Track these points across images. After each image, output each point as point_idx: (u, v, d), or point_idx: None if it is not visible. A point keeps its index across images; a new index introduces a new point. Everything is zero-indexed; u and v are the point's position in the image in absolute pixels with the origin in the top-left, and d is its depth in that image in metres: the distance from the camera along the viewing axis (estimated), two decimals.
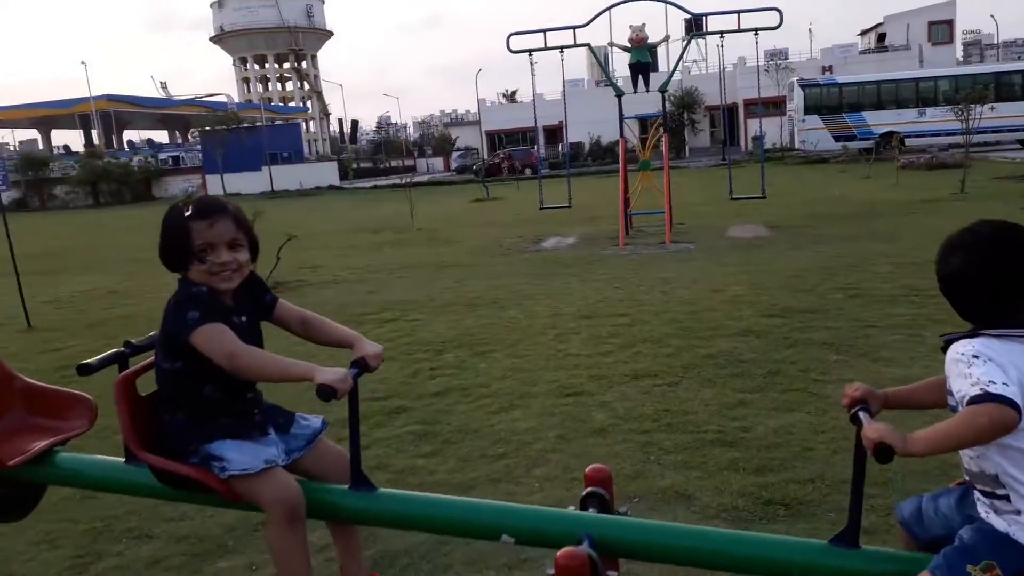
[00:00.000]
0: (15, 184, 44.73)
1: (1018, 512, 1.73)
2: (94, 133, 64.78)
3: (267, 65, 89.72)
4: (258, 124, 54.94)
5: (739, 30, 13.45)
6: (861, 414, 1.85)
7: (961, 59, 65.79)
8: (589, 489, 2.21)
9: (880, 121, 34.04)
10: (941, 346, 1.82)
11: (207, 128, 49.97)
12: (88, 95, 60.98)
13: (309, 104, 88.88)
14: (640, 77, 14.63)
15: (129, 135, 76.07)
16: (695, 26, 16.34)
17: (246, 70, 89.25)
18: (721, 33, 13.93)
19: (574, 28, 13.83)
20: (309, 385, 2.08)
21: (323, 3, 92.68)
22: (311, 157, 63.77)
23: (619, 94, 14.13)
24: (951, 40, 52.20)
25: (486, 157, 51.65)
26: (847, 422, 4.07)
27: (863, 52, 52.92)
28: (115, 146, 64.61)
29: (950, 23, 51.07)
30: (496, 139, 57.45)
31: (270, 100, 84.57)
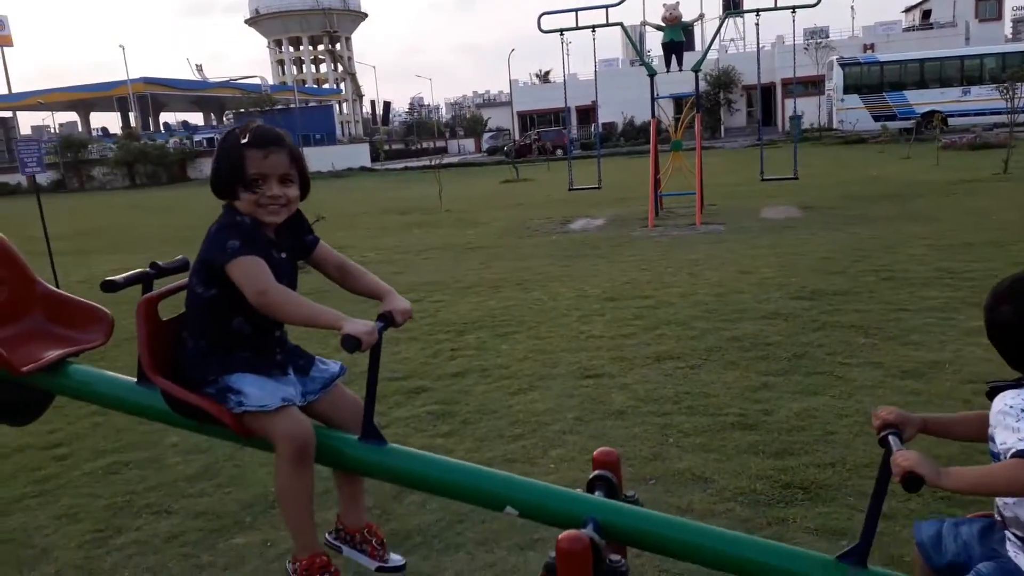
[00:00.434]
0: (53, 166, 45.74)
1: None
2: (131, 115, 65.79)
3: (301, 47, 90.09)
4: (292, 106, 55.34)
5: (776, 8, 13.15)
6: (891, 438, 1.76)
7: (1010, 36, 63.59)
8: (596, 472, 2.17)
9: (922, 100, 33.18)
10: (986, 392, 1.76)
11: (241, 110, 50.49)
12: (126, 78, 61.90)
13: (342, 86, 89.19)
14: (673, 56, 14.38)
15: (165, 117, 77.06)
16: (732, 4, 16.04)
17: (280, 52, 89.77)
18: (757, 11, 13.61)
19: (607, 7, 13.63)
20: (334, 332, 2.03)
21: None
22: (344, 139, 64.12)
23: (652, 74, 13.93)
24: (999, 16, 50.51)
25: (517, 138, 51.41)
26: (872, 405, 3.97)
27: (907, 29, 51.52)
28: (151, 128, 65.58)
29: None
30: (528, 120, 57.14)
31: (304, 82, 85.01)
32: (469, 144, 65.36)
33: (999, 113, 23.01)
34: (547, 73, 74.56)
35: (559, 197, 17.69)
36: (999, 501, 1.79)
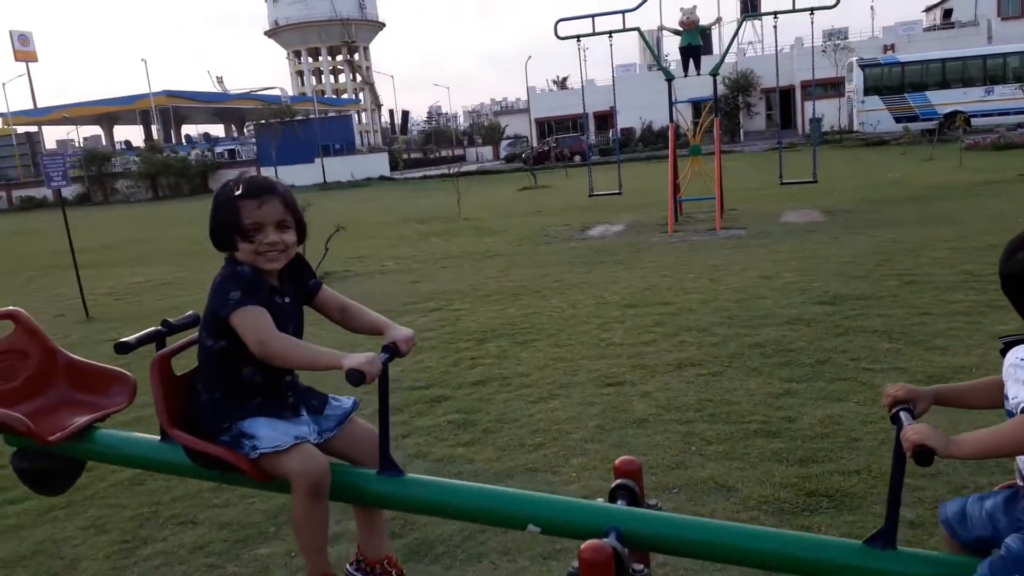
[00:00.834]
0: (78, 180, 46.42)
1: None
2: (154, 128, 66.68)
3: (320, 58, 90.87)
4: (311, 116, 55.77)
5: (794, 10, 13.06)
6: (902, 414, 1.77)
7: None
8: (618, 481, 2.17)
9: (944, 100, 32.80)
10: (1000, 348, 1.74)
11: (262, 121, 50.98)
12: (148, 91, 62.77)
13: (361, 96, 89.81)
14: (691, 60, 14.33)
15: (187, 129, 78.09)
16: (750, 7, 15.96)
17: (300, 63, 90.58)
18: (776, 14, 13.54)
19: (623, 12, 13.62)
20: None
21: None
22: (362, 148, 64.46)
23: (669, 78, 13.89)
24: (1022, 14, 49.82)
25: (534, 145, 51.46)
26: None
27: (927, 29, 50.96)
28: (173, 140, 66.45)
29: None
30: (546, 126, 57.17)
31: (323, 92, 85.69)
32: (487, 152, 65.49)
33: (1023, 112, 22.75)
34: (564, 79, 74.67)
35: (577, 204, 17.67)
36: (1018, 465, 1.76)
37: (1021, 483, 1.77)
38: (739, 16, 16.85)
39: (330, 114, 66.65)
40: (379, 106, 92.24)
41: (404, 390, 5.03)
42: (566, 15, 13.76)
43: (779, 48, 14.26)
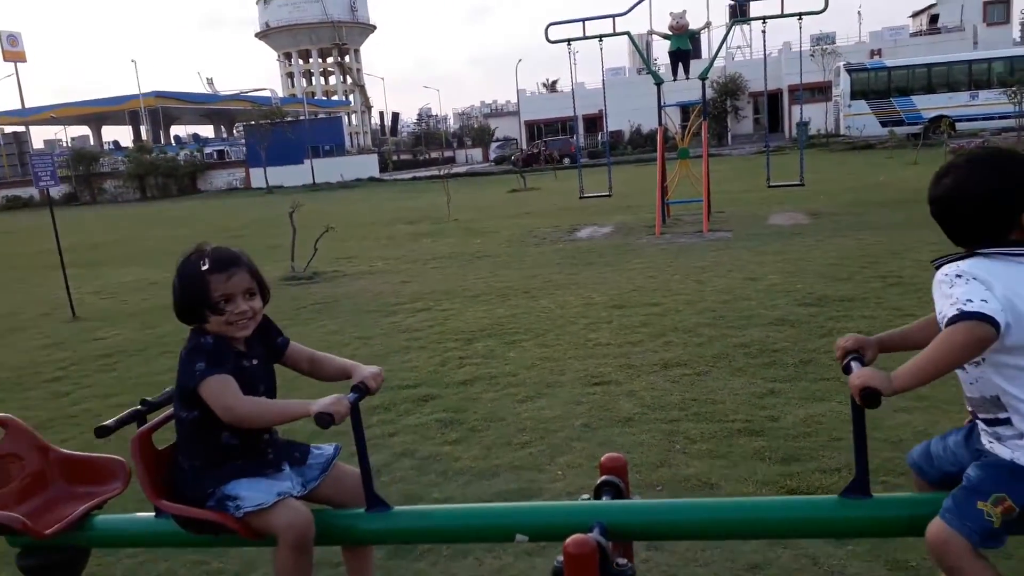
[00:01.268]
0: (65, 179, 46.11)
1: (1021, 435, 1.71)
2: (143, 129, 66.35)
3: (311, 60, 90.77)
4: (301, 118, 55.70)
5: (782, 15, 13.15)
6: (853, 363, 1.84)
7: (1018, 39, 63.30)
8: (604, 478, 2.20)
9: (930, 105, 33.07)
10: (934, 273, 1.80)
11: (251, 122, 50.86)
12: (138, 92, 62.46)
13: (351, 97, 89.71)
14: (680, 64, 14.43)
15: (176, 130, 77.72)
16: (739, 12, 16.08)
17: (290, 65, 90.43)
18: (764, 18, 13.63)
19: (613, 16, 13.68)
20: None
21: None
22: (352, 150, 64.41)
23: (658, 82, 13.97)
24: (1008, 20, 50.33)
25: (524, 147, 51.54)
26: (878, 412, 3.99)
27: (914, 34, 51.38)
28: (162, 141, 66.11)
29: (1007, 2, 49.22)
30: (536, 129, 57.29)
31: (313, 94, 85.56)
32: (477, 154, 65.55)
33: (1007, 117, 22.98)
34: (554, 83, 74.78)
35: (566, 205, 17.73)
36: (965, 388, 1.83)
37: (970, 409, 1.84)
38: (727, 20, 17.00)
39: (320, 115, 66.58)
40: (369, 108, 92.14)
41: (392, 389, 5.05)
42: (557, 19, 13.86)
43: (767, 52, 14.33)
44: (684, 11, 14.38)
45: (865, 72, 35.31)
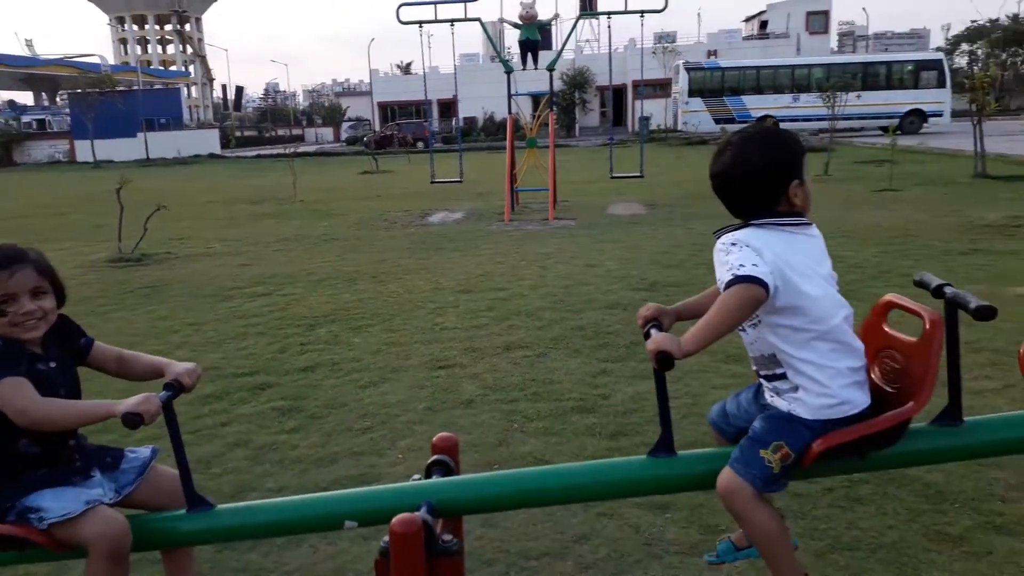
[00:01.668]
0: None
1: (795, 388, 1.89)
2: None
3: (147, 26, 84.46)
4: (134, 88, 51.77)
5: (626, 11, 13.71)
6: (652, 331, 1.95)
7: (835, 48, 69.57)
8: (434, 457, 2.25)
9: (758, 105, 35.62)
10: (714, 243, 1.95)
11: (77, 90, 46.58)
12: None
13: (191, 69, 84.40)
14: (530, 54, 14.71)
15: None
16: (587, 6, 16.58)
17: (123, 30, 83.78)
18: (609, 14, 14.16)
19: (465, 1, 13.71)
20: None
21: None
22: (191, 124, 60.71)
23: (508, 71, 14.17)
24: (827, 30, 55.03)
25: (377, 129, 50.66)
26: (698, 389, 4.31)
27: (746, 38, 55.06)
28: None
29: (826, 14, 53.81)
30: (389, 111, 56.44)
31: (149, 63, 79.79)
32: (327, 133, 63.68)
33: (823, 119, 25.14)
34: (408, 65, 73.97)
35: (418, 190, 17.66)
36: (748, 349, 2.00)
37: (754, 368, 2.02)
38: (576, 14, 17.54)
39: (156, 86, 62.19)
40: (211, 80, 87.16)
41: (225, 377, 4.87)
42: None
43: (614, 48, 14.91)
44: (534, 1, 14.65)
45: (702, 71, 37.45)
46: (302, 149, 38.99)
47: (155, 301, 7.37)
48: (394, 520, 1.88)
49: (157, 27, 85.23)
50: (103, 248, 9.98)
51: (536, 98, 20.34)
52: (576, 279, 7.48)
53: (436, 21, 13.79)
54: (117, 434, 3.17)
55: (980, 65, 49.59)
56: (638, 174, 14.35)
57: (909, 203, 12.16)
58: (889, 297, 2.04)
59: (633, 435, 3.80)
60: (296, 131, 63.08)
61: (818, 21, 53.31)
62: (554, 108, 14.27)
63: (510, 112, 14.40)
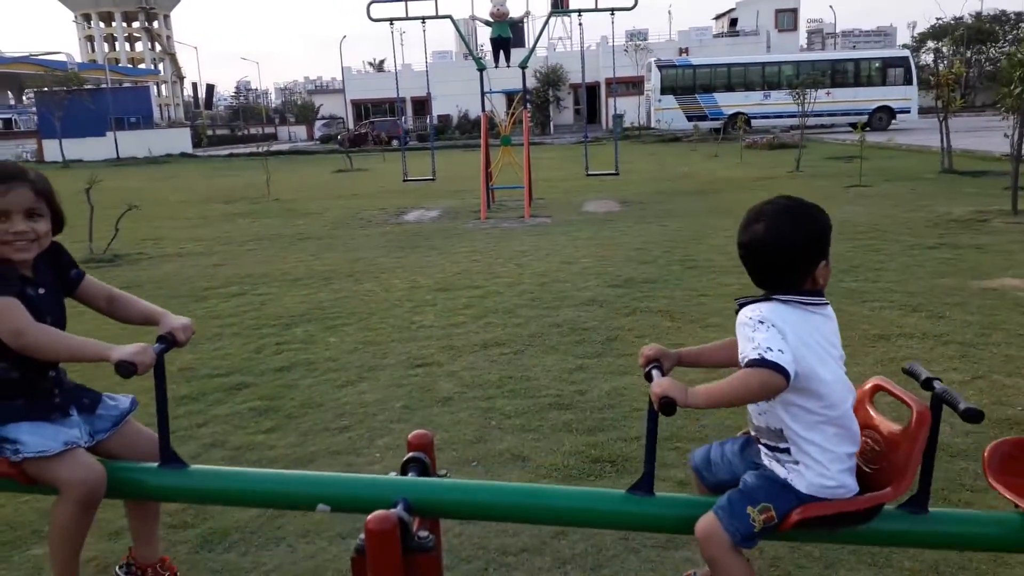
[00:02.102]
0: None
1: (796, 462, 1.93)
2: None
3: (114, 23, 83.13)
4: (103, 86, 50.91)
5: (596, 9, 13.77)
6: (654, 372, 1.98)
7: (805, 46, 70.34)
8: (410, 454, 2.26)
9: (729, 102, 35.90)
10: (736, 309, 1.97)
11: (44, 88, 45.70)
12: None
13: (161, 67, 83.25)
14: (502, 52, 14.72)
15: None
16: (557, 3, 16.61)
17: (90, 28, 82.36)
18: (580, 12, 14.20)
19: None
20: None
21: None
22: (162, 123, 59.92)
23: (481, 68, 14.16)
24: (795, 28, 55.62)
25: (351, 127, 50.33)
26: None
27: (717, 36, 55.46)
28: None
29: (795, 11, 54.39)
30: (363, 109, 56.09)
31: (117, 61, 78.53)
32: (301, 131, 63.10)
33: (794, 116, 25.43)
34: (382, 62, 73.58)
35: (394, 188, 17.59)
36: (752, 416, 2.02)
37: (753, 432, 2.05)
38: (548, 11, 17.59)
39: (125, 84, 61.20)
40: (181, 78, 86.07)
41: (200, 378, 4.83)
42: None
43: (586, 46, 14.99)
44: None
45: (674, 69, 37.64)
46: (275, 148, 38.66)
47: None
48: (370, 517, 1.89)
49: (124, 24, 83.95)
50: (74, 249, 9.59)
51: (510, 96, 20.36)
52: (552, 276, 7.52)
53: (407, 18, 13.74)
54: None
55: (945, 62, 50.46)
56: (613, 171, 14.43)
57: (878, 198, 12.36)
58: (878, 381, 2.08)
59: (610, 430, 3.84)
60: (269, 130, 62.47)
61: (787, 19, 53.88)
62: (528, 106, 14.28)
63: (484, 110, 14.40)
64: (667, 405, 1.83)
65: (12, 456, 2.00)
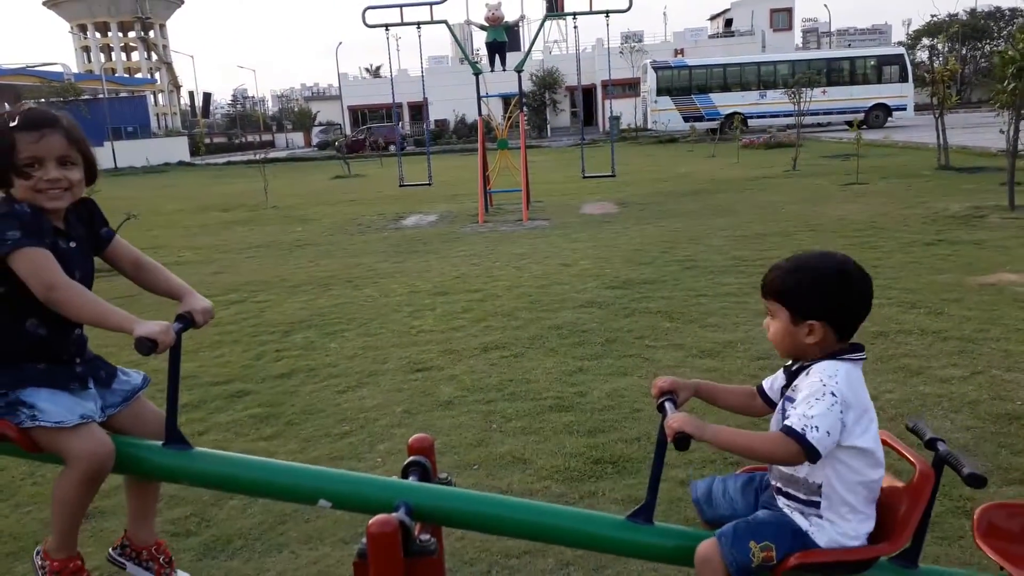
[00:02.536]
0: None
1: (822, 517, 1.88)
2: None
3: (110, 33, 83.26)
4: (100, 96, 50.95)
5: (591, 12, 13.78)
6: (667, 404, 1.94)
7: (800, 45, 70.43)
8: (411, 458, 2.26)
9: (725, 102, 35.94)
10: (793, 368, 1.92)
11: (41, 100, 45.75)
12: None
13: (157, 76, 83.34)
14: (497, 56, 14.73)
15: None
16: (553, 7, 16.65)
17: (86, 38, 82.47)
18: (574, 15, 14.21)
19: (431, 4, 13.68)
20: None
21: None
22: (159, 132, 59.98)
23: (477, 72, 14.19)
24: (790, 27, 55.70)
25: (348, 133, 50.38)
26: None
27: (712, 36, 55.53)
28: None
29: (790, 11, 54.48)
30: (360, 115, 56.14)
31: (113, 71, 78.60)
32: (298, 138, 63.20)
33: (790, 115, 25.45)
34: (378, 68, 73.70)
35: (392, 193, 17.61)
36: (785, 469, 1.95)
37: (775, 482, 1.97)
38: (543, 15, 17.61)
39: (122, 94, 61.27)
40: (178, 87, 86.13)
41: (202, 386, 4.84)
42: (374, 2, 13.61)
43: (582, 48, 15.02)
44: (499, 3, 14.66)
45: (670, 70, 37.69)
46: (273, 155, 38.70)
47: (127, 311, 7.28)
48: (371, 521, 1.89)
49: (120, 34, 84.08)
50: None
51: (507, 99, 20.39)
52: (551, 279, 7.52)
53: (402, 24, 13.76)
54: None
55: (940, 59, 50.60)
56: (610, 174, 14.45)
57: (875, 196, 12.38)
58: (883, 436, 2.06)
59: (610, 431, 3.84)
60: (266, 137, 62.54)
61: (782, 18, 53.97)
62: (524, 109, 14.30)
63: (480, 114, 14.42)
64: (681, 440, 1.80)
65: (28, 421, 1.95)
